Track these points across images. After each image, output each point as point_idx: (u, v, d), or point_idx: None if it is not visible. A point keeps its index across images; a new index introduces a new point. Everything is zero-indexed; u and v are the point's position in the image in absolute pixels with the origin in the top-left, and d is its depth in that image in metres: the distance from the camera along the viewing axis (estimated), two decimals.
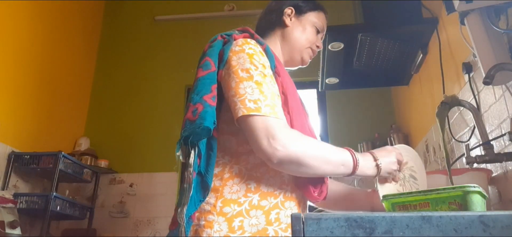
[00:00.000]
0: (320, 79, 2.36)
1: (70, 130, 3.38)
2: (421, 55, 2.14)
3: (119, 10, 4.01)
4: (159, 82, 3.65)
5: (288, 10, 1.15)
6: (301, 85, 3.51)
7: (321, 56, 2.14)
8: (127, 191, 3.28)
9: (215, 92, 0.89)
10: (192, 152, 0.85)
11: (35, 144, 2.83)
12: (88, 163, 3.14)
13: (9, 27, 2.72)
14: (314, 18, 1.16)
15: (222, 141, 0.93)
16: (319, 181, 0.93)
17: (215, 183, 0.88)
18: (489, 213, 0.51)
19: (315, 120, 3.39)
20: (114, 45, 3.88)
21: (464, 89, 1.64)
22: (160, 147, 3.39)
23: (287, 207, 0.90)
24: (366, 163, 0.91)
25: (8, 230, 2.27)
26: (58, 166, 2.66)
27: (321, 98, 3.47)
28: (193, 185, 0.82)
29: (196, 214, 0.85)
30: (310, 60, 1.19)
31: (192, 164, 0.84)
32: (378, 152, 0.95)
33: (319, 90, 2.53)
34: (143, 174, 3.32)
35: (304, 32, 1.14)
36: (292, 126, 0.90)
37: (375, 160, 0.92)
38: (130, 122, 3.53)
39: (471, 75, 1.54)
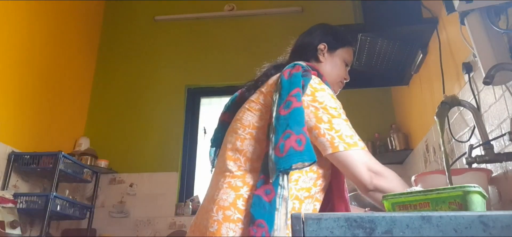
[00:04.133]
0: None
1: (70, 130, 3.37)
2: (421, 55, 2.13)
3: (119, 10, 4.01)
4: (159, 82, 3.65)
5: (321, 46, 1.22)
6: None
7: None
8: (127, 191, 3.27)
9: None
10: (286, 177, 0.91)
11: (35, 144, 2.83)
12: (88, 163, 3.14)
13: (9, 27, 2.72)
14: (344, 54, 1.24)
15: None
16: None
17: None
18: (489, 213, 0.51)
19: None
20: (114, 45, 3.88)
21: (464, 89, 1.64)
22: (160, 147, 3.39)
23: None
24: None
25: (8, 230, 2.27)
26: (58, 166, 2.66)
27: None
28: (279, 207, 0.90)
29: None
30: (339, 91, 1.28)
31: (286, 187, 0.90)
32: None
33: None
34: (143, 174, 3.31)
35: (335, 68, 1.23)
36: None
37: None
38: (130, 122, 3.52)
39: (471, 75, 1.54)
